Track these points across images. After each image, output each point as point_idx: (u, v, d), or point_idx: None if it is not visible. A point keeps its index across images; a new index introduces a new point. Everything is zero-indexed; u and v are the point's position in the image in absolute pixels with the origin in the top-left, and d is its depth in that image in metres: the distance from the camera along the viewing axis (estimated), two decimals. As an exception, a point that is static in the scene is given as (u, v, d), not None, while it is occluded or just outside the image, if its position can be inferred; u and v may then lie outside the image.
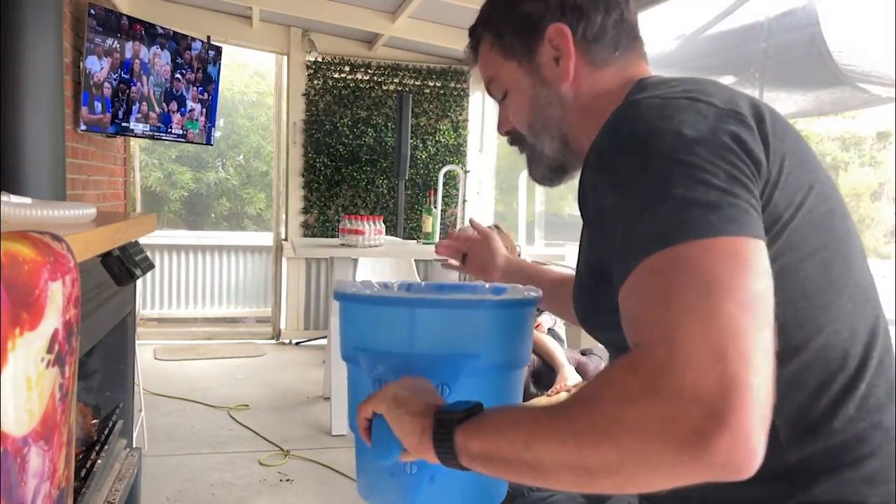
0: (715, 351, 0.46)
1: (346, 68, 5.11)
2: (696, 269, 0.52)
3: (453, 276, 5.03)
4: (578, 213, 0.73)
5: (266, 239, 5.80)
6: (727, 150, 0.61)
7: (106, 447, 1.55)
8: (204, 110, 4.20)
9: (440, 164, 5.27)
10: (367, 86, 5.18)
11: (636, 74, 0.85)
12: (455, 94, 5.34)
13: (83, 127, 3.29)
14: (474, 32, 1.00)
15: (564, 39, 0.84)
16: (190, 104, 4.08)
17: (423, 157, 5.28)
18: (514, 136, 0.96)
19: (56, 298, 0.65)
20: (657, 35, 3.97)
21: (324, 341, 4.95)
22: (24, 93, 1.72)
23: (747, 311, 0.49)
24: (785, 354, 0.59)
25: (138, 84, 3.64)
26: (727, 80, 3.40)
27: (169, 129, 3.95)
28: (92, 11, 3.24)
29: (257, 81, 8.12)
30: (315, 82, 5.07)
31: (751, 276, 0.52)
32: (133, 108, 3.61)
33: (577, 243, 0.89)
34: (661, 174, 0.59)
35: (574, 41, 0.84)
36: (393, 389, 0.64)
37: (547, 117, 0.88)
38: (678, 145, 0.60)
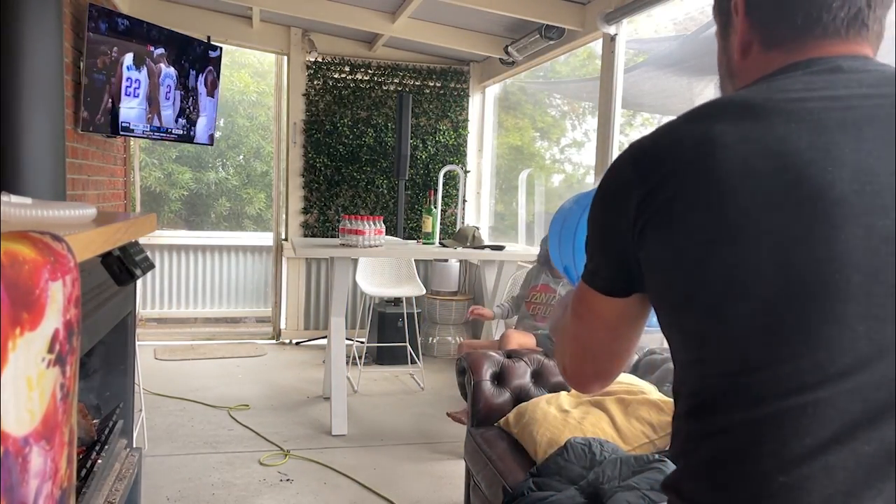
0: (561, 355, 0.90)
1: (346, 68, 5.11)
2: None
3: (453, 275, 5.04)
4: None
5: (266, 239, 5.80)
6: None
7: (106, 447, 1.55)
8: (204, 110, 4.20)
9: (440, 164, 5.28)
10: (367, 86, 5.18)
11: (794, 59, 0.74)
12: (455, 94, 5.34)
13: (83, 127, 3.29)
14: None
15: (738, 13, 0.78)
16: (190, 104, 4.08)
17: (423, 157, 5.28)
18: None
19: (56, 298, 0.66)
20: (657, 35, 3.97)
21: (324, 341, 4.95)
22: (24, 93, 1.72)
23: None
24: None
25: (138, 84, 3.64)
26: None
27: (169, 130, 3.95)
28: (92, 11, 3.24)
29: (257, 81, 8.12)
30: (315, 82, 5.07)
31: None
32: (132, 107, 3.61)
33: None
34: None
35: (747, 17, 0.77)
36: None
37: (724, 90, 0.84)
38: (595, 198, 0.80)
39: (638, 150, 0.74)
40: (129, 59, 3.55)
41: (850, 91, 0.69)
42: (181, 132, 4.06)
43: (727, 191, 0.66)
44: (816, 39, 0.73)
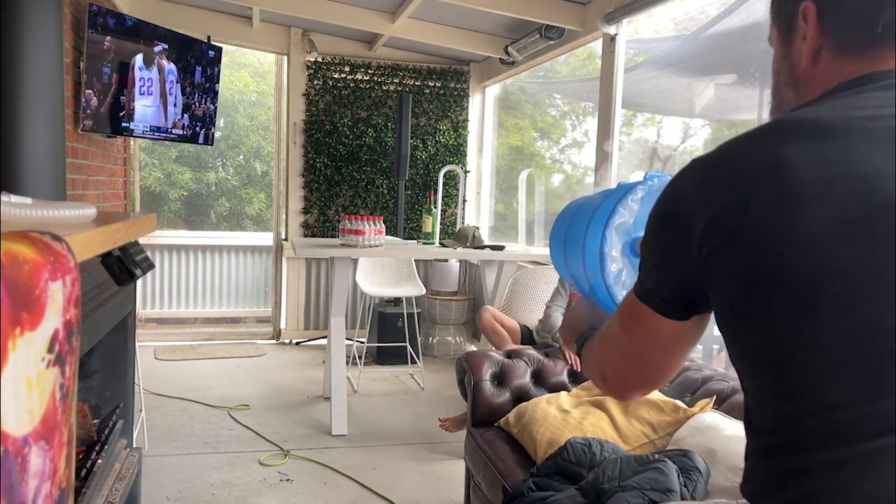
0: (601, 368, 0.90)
1: (346, 68, 5.11)
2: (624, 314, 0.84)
3: (453, 275, 5.04)
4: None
5: (266, 239, 5.80)
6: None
7: (106, 447, 1.55)
8: (204, 110, 4.20)
9: (440, 164, 5.28)
10: (367, 86, 5.18)
11: (866, 69, 0.72)
12: (455, 94, 5.34)
13: (83, 127, 3.29)
14: None
15: (808, 19, 0.75)
16: (191, 104, 4.08)
17: (423, 157, 5.28)
18: None
19: (56, 298, 0.66)
20: (657, 35, 3.97)
21: (324, 341, 4.95)
22: (24, 93, 1.71)
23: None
24: None
25: (138, 84, 3.64)
26: (727, 79, 3.40)
27: (169, 130, 3.95)
28: (92, 11, 3.24)
29: (257, 81, 8.12)
30: (315, 82, 5.07)
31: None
32: (135, 108, 3.61)
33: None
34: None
35: (820, 23, 0.74)
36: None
37: (780, 98, 0.82)
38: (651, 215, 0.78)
39: (701, 169, 0.71)
40: (139, 59, 3.57)
41: None
42: (181, 132, 4.06)
43: (806, 218, 0.62)
44: (893, 50, 0.70)
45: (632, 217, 1.02)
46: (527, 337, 3.31)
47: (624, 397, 0.91)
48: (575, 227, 1.12)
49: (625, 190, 1.04)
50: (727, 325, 0.72)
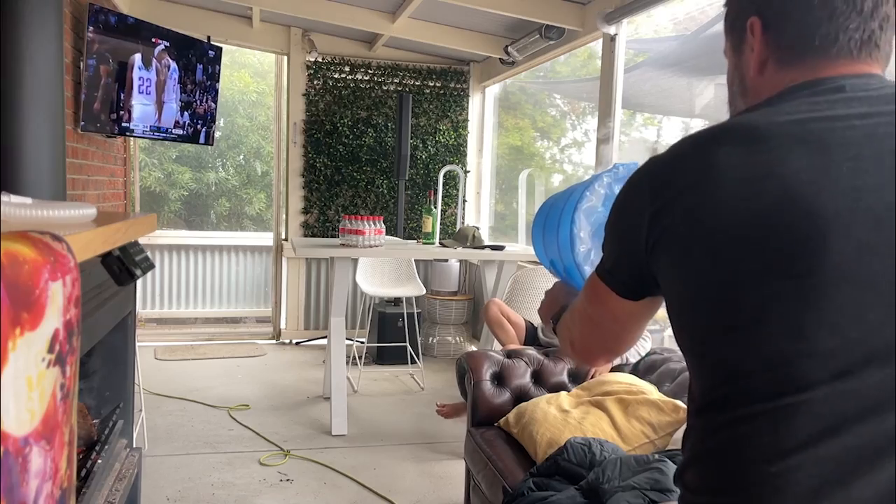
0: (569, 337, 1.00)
1: (346, 68, 5.11)
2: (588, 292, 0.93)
3: (453, 275, 5.04)
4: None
5: (266, 239, 5.80)
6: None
7: (106, 447, 1.55)
8: (204, 110, 4.20)
9: (440, 164, 5.28)
10: (367, 86, 5.18)
11: (805, 77, 0.78)
12: (455, 94, 5.34)
13: (83, 127, 3.28)
14: None
15: (755, 33, 0.82)
16: (192, 102, 4.08)
17: (423, 157, 5.28)
18: None
19: (56, 298, 0.65)
20: (657, 35, 3.97)
21: (324, 341, 4.95)
22: (24, 93, 1.71)
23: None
24: None
25: (137, 83, 3.64)
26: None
27: (169, 129, 3.95)
28: (92, 11, 3.24)
29: (257, 81, 8.11)
30: (315, 82, 5.07)
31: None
32: (133, 107, 3.61)
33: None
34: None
35: (765, 36, 0.81)
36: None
37: (734, 106, 0.89)
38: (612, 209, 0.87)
39: (653, 168, 0.79)
40: (138, 59, 3.57)
41: (850, 110, 0.72)
42: (181, 132, 4.06)
43: (728, 213, 0.70)
44: (830, 59, 0.77)
45: (599, 201, 1.11)
46: (531, 334, 3.31)
47: (589, 362, 1.02)
48: (552, 215, 1.21)
49: (594, 178, 1.13)
50: (668, 309, 0.81)
